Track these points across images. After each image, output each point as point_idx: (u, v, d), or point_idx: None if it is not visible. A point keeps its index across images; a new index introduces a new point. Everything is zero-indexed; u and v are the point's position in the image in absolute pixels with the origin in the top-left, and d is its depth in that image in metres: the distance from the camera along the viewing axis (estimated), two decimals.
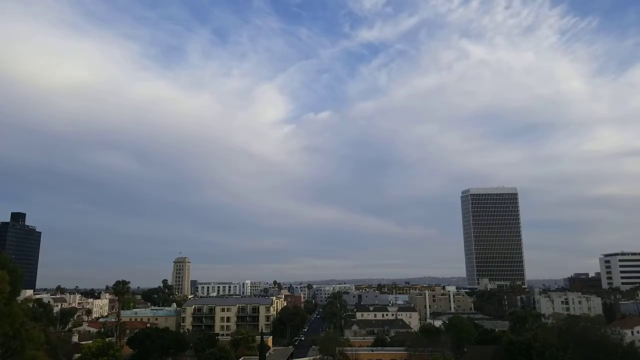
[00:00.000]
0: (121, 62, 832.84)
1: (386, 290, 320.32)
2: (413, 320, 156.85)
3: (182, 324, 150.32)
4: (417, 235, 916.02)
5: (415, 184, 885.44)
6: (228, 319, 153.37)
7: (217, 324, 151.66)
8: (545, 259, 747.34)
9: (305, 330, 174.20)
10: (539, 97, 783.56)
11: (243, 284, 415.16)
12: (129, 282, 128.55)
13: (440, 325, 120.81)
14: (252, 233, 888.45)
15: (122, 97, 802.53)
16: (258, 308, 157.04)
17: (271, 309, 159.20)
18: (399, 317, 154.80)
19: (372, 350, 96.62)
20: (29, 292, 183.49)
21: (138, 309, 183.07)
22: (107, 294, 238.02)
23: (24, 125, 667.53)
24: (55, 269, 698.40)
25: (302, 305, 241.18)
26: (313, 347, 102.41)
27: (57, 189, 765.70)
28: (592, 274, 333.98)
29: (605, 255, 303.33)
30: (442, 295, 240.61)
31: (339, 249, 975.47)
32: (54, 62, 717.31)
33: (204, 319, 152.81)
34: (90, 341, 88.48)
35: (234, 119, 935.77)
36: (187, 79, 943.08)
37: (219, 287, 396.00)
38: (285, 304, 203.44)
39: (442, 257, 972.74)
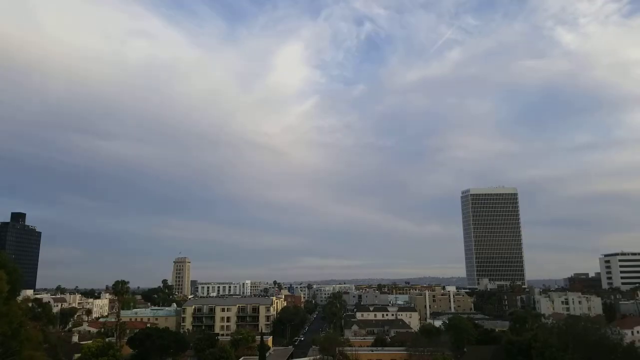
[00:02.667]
0: (113, 24, 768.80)
1: (386, 290, 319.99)
2: (413, 320, 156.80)
3: (182, 324, 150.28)
4: (422, 234, 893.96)
5: (438, 178, 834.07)
6: (228, 319, 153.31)
7: (217, 324, 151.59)
8: (545, 259, 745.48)
9: (305, 330, 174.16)
10: (606, 82, 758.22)
11: (243, 284, 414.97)
12: (128, 282, 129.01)
13: (440, 325, 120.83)
14: (253, 231, 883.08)
15: (119, 69, 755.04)
16: (258, 308, 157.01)
17: (271, 309, 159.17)
18: (399, 317, 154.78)
19: (372, 350, 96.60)
20: (29, 292, 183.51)
21: (138, 309, 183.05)
22: (107, 294, 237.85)
23: (17, 114, 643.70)
24: (55, 269, 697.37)
25: (302, 305, 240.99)
26: (313, 347, 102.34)
27: (56, 182, 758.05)
28: (592, 274, 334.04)
29: (605, 255, 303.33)
30: (442, 295, 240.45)
31: (339, 248, 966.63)
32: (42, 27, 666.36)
33: (204, 319, 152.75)
34: (90, 341, 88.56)
35: (247, 93, 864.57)
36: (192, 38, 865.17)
37: (219, 287, 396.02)
38: (285, 304, 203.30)
39: (442, 256, 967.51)
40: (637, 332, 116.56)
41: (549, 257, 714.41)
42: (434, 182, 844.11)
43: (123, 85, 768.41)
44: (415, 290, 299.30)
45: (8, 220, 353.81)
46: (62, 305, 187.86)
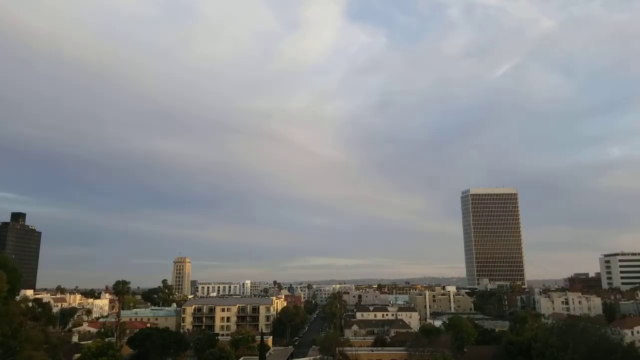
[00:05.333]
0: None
1: (386, 290, 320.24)
2: (413, 320, 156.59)
3: (182, 324, 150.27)
4: (422, 234, 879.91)
5: (444, 176, 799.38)
6: (228, 319, 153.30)
7: (217, 324, 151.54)
8: (545, 259, 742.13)
9: (305, 330, 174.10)
10: None
11: (243, 284, 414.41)
12: (129, 282, 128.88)
13: (440, 325, 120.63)
14: (253, 231, 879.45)
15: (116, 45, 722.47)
16: (258, 308, 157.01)
17: (271, 309, 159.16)
18: (399, 317, 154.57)
19: (372, 350, 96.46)
20: (29, 292, 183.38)
21: (138, 309, 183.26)
22: (107, 294, 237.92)
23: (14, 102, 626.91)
24: (55, 269, 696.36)
25: (302, 305, 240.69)
26: (313, 347, 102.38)
27: (56, 179, 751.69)
28: (592, 274, 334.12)
29: (605, 256, 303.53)
30: (442, 295, 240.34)
31: (339, 248, 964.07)
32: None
33: (204, 319, 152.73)
34: (90, 341, 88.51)
35: (262, 64, 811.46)
36: None
37: (219, 287, 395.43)
38: (285, 304, 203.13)
39: (442, 256, 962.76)
40: (637, 332, 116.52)
41: (549, 257, 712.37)
42: (438, 180, 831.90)
43: (126, 66, 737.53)
44: (415, 290, 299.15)
45: (8, 220, 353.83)
46: (62, 305, 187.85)
